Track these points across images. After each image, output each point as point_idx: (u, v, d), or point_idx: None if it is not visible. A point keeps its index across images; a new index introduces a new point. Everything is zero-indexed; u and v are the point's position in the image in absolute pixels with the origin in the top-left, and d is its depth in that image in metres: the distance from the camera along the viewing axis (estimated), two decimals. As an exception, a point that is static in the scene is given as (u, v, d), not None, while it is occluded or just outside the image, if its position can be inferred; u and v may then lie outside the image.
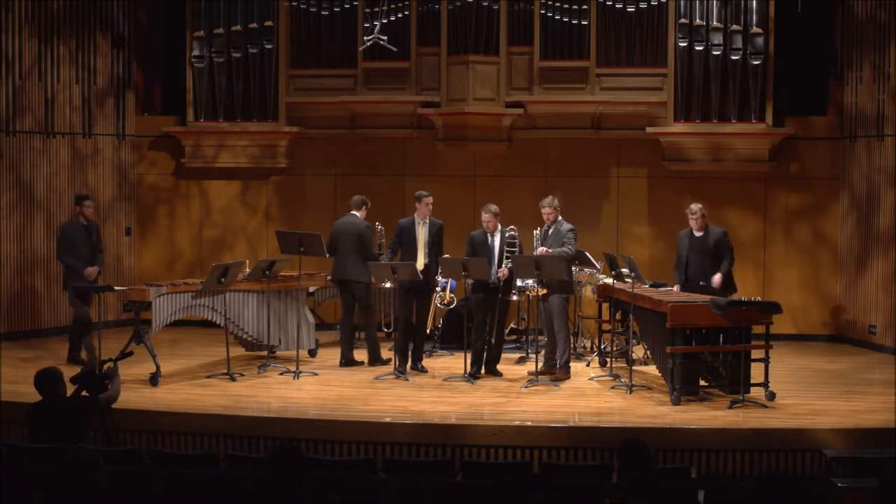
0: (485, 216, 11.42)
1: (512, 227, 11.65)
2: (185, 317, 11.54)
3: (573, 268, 11.88)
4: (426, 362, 12.02)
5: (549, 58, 13.93)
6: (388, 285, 12.10)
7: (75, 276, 11.79)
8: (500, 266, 11.30)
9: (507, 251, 11.40)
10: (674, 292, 11.30)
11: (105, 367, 8.00)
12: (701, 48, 13.61)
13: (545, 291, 11.24)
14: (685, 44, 13.64)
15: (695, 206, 11.47)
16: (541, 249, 11.24)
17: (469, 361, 11.32)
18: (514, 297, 11.66)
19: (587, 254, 12.40)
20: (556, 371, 11.38)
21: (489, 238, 11.44)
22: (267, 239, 14.55)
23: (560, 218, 11.46)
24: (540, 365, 11.48)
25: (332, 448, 9.30)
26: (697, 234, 11.47)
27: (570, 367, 11.44)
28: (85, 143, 14.47)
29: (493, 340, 11.56)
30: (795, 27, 13.76)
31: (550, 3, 13.82)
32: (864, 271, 13.54)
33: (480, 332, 11.46)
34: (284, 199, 14.80)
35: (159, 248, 15.00)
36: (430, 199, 11.79)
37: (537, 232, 11.70)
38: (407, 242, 11.76)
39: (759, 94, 13.56)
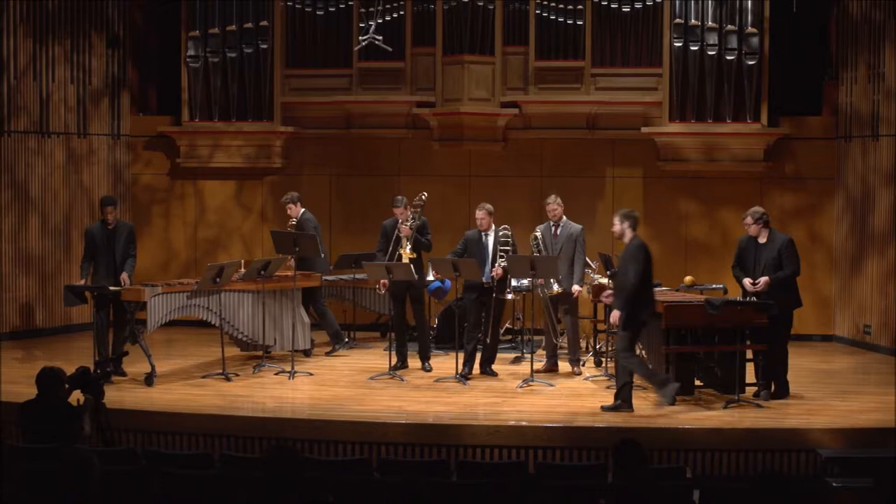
0: (479, 213, 11.45)
1: (505, 226, 11.66)
2: (181, 317, 11.52)
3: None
4: (418, 362, 12.00)
5: (545, 58, 13.94)
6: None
7: (93, 277, 11.54)
8: (493, 265, 11.31)
9: (501, 250, 11.41)
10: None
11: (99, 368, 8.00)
12: (696, 48, 13.63)
13: (560, 291, 11.32)
14: (680, 44, 13.65)
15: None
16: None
17: (461, 361, 11.35)
18: (510, 296, 11.65)
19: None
20: (552, 368, 11.56)
21: (483, 237, 11.47)
22: (262, 239, 14.54)
23: (565, 217, 11.51)
24: (539, 365, 11.55)
25: (328, 448, 9.30)
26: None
27: (579, 361, 11.69)
28: (80, 143, 14.46)
29: (487, 340, 11.57)
30: (790, 27, 13.76)
31: (545, 3, 13.83)
32: (859, 271, 13.55)
33: (473, 332, 11.48)
34: (280, 199, 14.76)
35: (154, 248, 14.98)
36: (399, 209, 11.76)
37: (538, 233, 11.65)
38: (394, 242, 11.83)
39: (754, 94, 13.57)
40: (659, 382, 9.97)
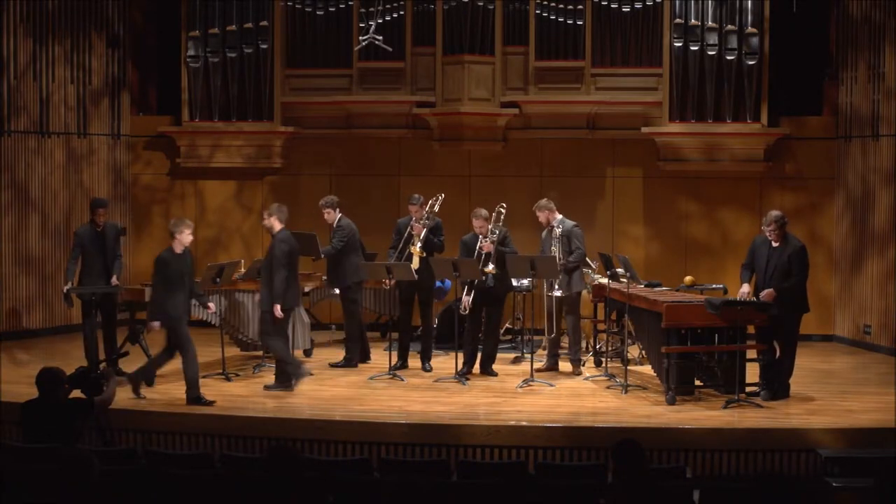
0: (476, 223, 11.39)
1: (502, 204, 11.56)
2: (181, 317, 11.52)
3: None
4: (418, 362, 11.99)
5: (545, 58, 13.94)
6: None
7: (84, 279, 11.51)
8: (486, 265, 11.19)
9: (492, 231, 11.36)
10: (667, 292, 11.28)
11: (101, 367, 8.01)
12: (696, 48, 13.63)
13: (561, 295, 11.35)
14: (680, 44, 13.65)
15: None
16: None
17: (461, 361, 11.36)
18: (490, 268, 11.30)
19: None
20: (552, 367, 11.57)
21: (480, 240, 11.44)
22: (262, 239, 14.53)
23: (560, 217, 11.50)
24: (539, 364, 11.55)
25: (328, 448, 9.30)
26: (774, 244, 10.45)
27: (581, 361, 11.67)
28: (80, 143, 14.45)
29: (487, 340, 11.57)
30: (790, 27, 13.77)
31: (545, 3, 13.83)
32: (859, 271, 13.55)
33: (472, 331, 11.49)
34: (279, 199, 14.68)
35: (154, 247, 14.89)
36: (414, 206, 11.80)
37: (555, 231, 11.61)
38: (404, 240, 11.82)
39: (754, 94, 13.57)
40: (293, 367, 10.68)
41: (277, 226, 10.72)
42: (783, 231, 10.37)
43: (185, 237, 10.35)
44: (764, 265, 10.42)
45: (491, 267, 11.14)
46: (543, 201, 11.65)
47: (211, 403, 10.06)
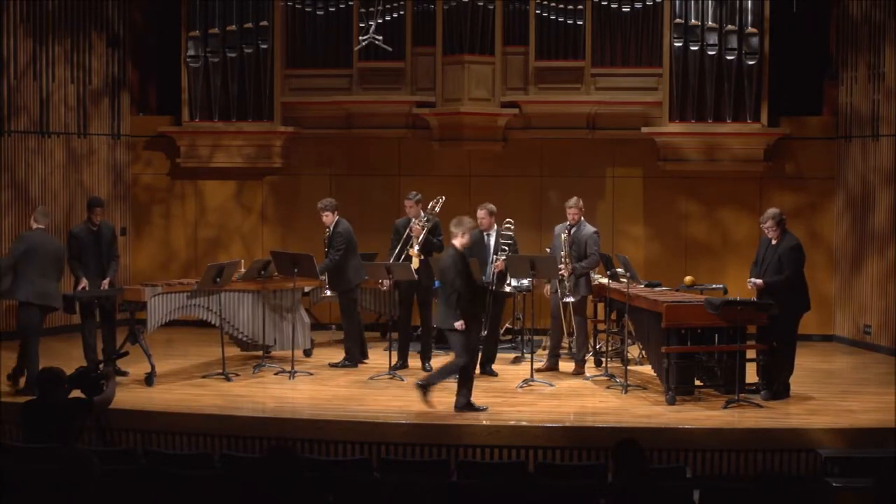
0: (480, 213, 11.44)
1: (509, 220, 11.63)
2: (181, 317, 11.53)
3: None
4: (418, 362, 12.00)
5: (545, 58, 13.94)
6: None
7: (79, 282, 11.51)
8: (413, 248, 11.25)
9: (503, 243, 11.40)
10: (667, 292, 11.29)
11: (100, 367, 8.01)
12: (696, 48, 13.63)
13: (573, 301, 11.37)
14: (680, 44, 13.65)
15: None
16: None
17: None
18: (508, 289, 11.49)
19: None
20: (552, 367, 11.50)
21: (484, 237, 11.46)
22: (262, 239, 14.54)
23: (583, 219, 11.52)
24: (539, 364, 11.55)
25: (328, 448, 9.30)
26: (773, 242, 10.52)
27: (585, 361, 11.67)
28: (80, 143, 14.45)
29: (487, 339, 11.57)
30: (791, 27, 13.77)
31: (545, 2, 13.83)
32: (859, 271, 13.55)
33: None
34: (279, 199, 14.79)
35: (154, 248, 14.99)
36: (409, 202, 11.85)
37: (565, 235, 11.61)
38: (402, 241, 11.82)
39: (754, 94, 13.57)
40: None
41: (35, 227, 10.94)
42: (781, 228, 10.41)
43: (467, 239, 10.02)
44: (760, 263, 10.49)
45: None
46: (573, 199, 11.63)
47: (483, 409, 9.88)
